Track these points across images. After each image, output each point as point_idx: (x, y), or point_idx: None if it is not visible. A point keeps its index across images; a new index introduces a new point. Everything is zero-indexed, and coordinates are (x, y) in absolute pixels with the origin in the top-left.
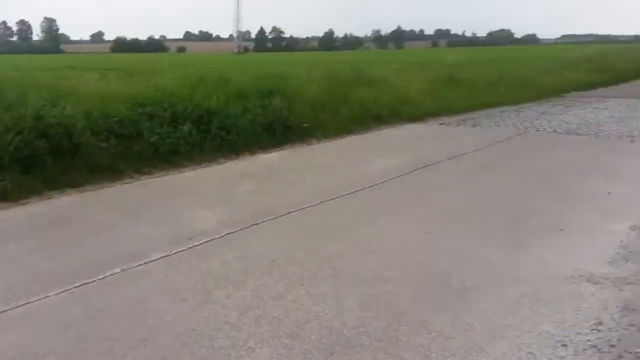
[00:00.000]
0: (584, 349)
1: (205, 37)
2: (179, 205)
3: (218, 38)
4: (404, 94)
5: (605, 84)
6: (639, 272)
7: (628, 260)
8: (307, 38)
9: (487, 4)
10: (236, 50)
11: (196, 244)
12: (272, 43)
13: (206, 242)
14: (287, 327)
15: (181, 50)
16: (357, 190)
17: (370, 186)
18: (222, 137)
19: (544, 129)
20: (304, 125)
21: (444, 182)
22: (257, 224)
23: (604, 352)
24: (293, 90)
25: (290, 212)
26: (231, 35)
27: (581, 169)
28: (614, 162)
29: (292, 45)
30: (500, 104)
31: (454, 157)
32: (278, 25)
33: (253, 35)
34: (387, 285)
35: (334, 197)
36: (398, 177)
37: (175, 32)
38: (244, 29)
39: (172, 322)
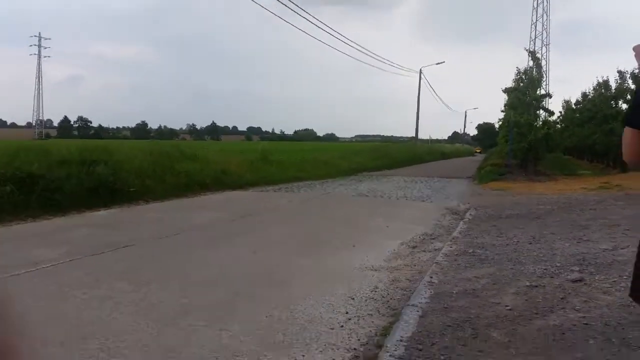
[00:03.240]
0: (365, 300)
1: None
2: (14, 247)
3: (14, 125)
4: (226, 167)
5: (387, 167)
6: (403, 264)
7: (397, 259)
8: (118, 128)
9: (294, 108)
10: (36, 137)
11: (44, 266)
12: (79, 131)
13: (53, 265)
14: (142, 308)
15: None
16: (191, 230)
17: (201, 229)
18: (47, 198)
19: (342, 193)
20: (131, 189)
21: (264, 224)
22: (98, 254)
23: (377, 299)
24: (118, 160)
25: (129, 245)
26: (29, 123)
27: (369, 214)
28: (392, 211)
29: (101, 133)
30: (307, 178)
31: (272, 209)
32: (86, 116)
33: (56, 124)
34: (226, 280)
35: (171, 235)
36: (226, 222)
37: None
38: (45, 118)
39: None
